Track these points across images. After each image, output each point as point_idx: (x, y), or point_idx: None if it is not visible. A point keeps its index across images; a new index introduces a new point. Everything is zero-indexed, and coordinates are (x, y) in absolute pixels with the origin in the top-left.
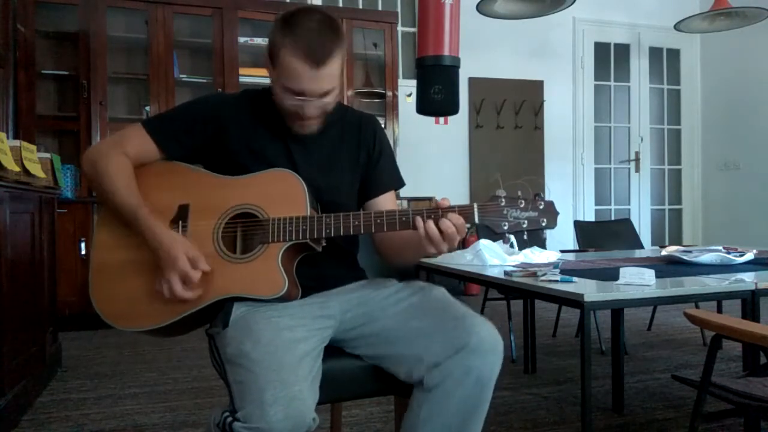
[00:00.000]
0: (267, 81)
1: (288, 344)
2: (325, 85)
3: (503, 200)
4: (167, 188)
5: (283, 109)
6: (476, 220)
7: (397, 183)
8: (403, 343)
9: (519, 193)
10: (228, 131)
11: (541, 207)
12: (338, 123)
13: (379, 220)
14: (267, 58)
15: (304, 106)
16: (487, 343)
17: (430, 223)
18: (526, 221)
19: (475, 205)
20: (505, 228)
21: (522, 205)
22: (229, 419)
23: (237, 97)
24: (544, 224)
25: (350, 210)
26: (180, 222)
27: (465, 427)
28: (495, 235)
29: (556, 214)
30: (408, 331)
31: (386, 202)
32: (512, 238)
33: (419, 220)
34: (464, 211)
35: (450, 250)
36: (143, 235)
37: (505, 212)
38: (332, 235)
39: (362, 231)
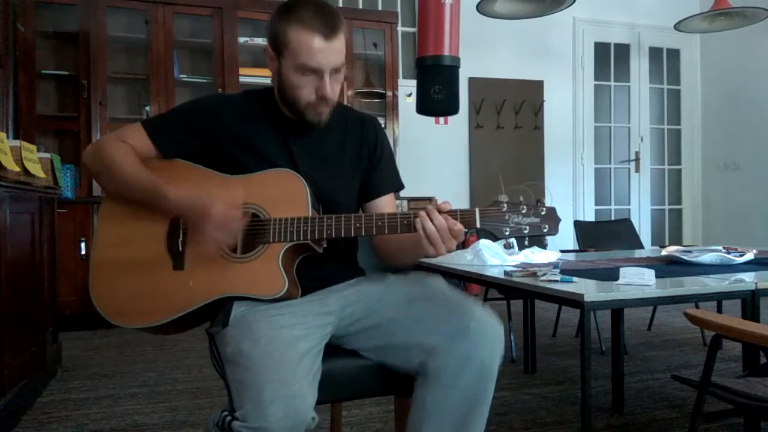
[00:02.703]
0: (267, 81)
1: (287, 343)
2: (338, 58)
3: (505, 206)
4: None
5: (299, 99)
6: (478, 225)
7: (397, 186)
8: (403, 332)
9: (521, 199)
10: (229, 131)
11: (543, 213)
12: (340, 123)
13: (380, 222)
14: (271, 52)
15: (323, 86)
16: (487, 327)
17: (428, 223)
18: (527, 227)
19: (477, 210)
20: (507, 233)
21: (524, 211)
22: (228, 418)
23: (237, 97)
24: (545, 231)
25: (350, 210)
26: (182, 220)
27: (470, 415)
28: (496, 239)
29: (558, 220)
30: (407, 320)
31: (385, 204)
32: (512, 239)
33: (418, 222)
34: (466, 216)
35: (449, 251)
36: (167, 202)
37: (506, 218)
38: (333, 236)
39: (363, 233)
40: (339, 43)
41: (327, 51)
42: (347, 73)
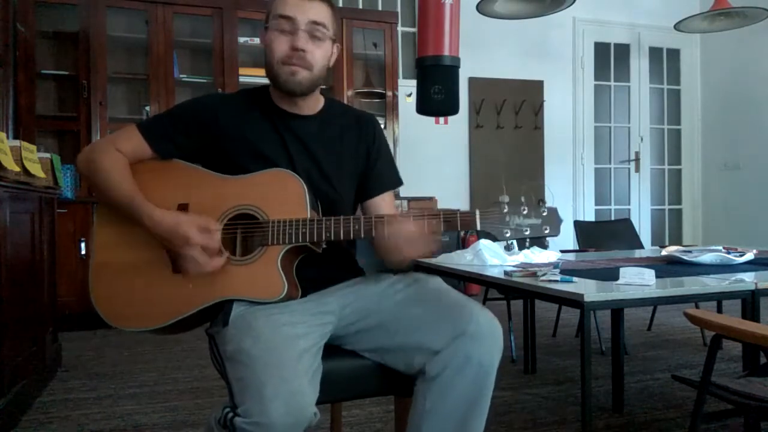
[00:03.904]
0: (267, 81)
1: (287, 341)
2: (315, 14)
3: (506, 207)
4: (166, 187)
5: (274, 56)
6: (478, 226)
7: (396, 183)
8: (402, 334)
9: (522, 200)
10: (225, 130)
11: (545, 214)
12: (337, 121)
13: (379, 225)
14: (263, 32)
15: (296, 38)
16: (485, 328)
17: (383, 230)
18: (528, 228)
19: (477, 212)
20: (507, 235)
21: (525, 212)
22: (230, 414)
23: (233, 96)
24: (546, 232)
25: (347, 208)
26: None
27: (470, 416)
28: (497, 241)
29: (560, 221)
30: (406, 322)
31: (384, 202)
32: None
33: (380, 227)
34: (466, 218)
35: (434, 254)
36: (143, 225)
37: (507, 219)
38: (332, 238)
39: (362, 235)
40: (318, 5)
41: (302, 4)
42: (348, 73)
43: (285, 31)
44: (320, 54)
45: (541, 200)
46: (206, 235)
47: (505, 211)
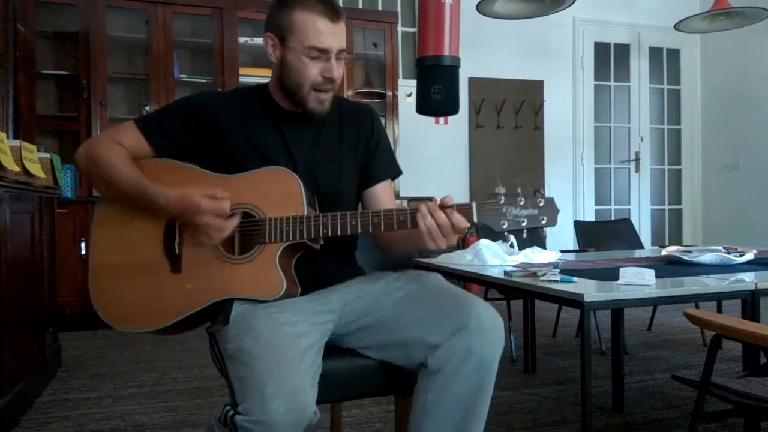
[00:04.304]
0: (266, 81)
1: (289, 340)
2: (343, 40)
3: (502, 198)
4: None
5: (305, 82)
6: (475, 219)
7: (395, 172)
8: (403, 330)
9: (518, 191)
10: (225, 130)
11: (541, 204)
12: (335, 115)
13: (376, 220)
14: (273, 39)
15: (330, 67)
16: (486, 323)
17: (429, 219)
18: (525, 219)
19: (474, 204)
20: (504, 227)
21: (521, 203)
22: (231, 412)
23: (233, 94)
24: (543, 222)
25: (351, 201)
26: (177, 222)
27: (471, 411)
28: (494, 234)
29: (557, 211)
30: (407, 318)
31: (384, 191)
32: (512, 237)
33: (419, 217)
34: (463, 210)
35: (449, 248)
36: (156, 204)
37: (504, 211)
38: (329, 234)
39: (359, 230)
40: (342, 26)
41: (333, 33)
42: (347, 73)
43: (316, 58)
44: (342, 70)
45: (538, 191)
46: (214, 200)
47: (502, 202)
